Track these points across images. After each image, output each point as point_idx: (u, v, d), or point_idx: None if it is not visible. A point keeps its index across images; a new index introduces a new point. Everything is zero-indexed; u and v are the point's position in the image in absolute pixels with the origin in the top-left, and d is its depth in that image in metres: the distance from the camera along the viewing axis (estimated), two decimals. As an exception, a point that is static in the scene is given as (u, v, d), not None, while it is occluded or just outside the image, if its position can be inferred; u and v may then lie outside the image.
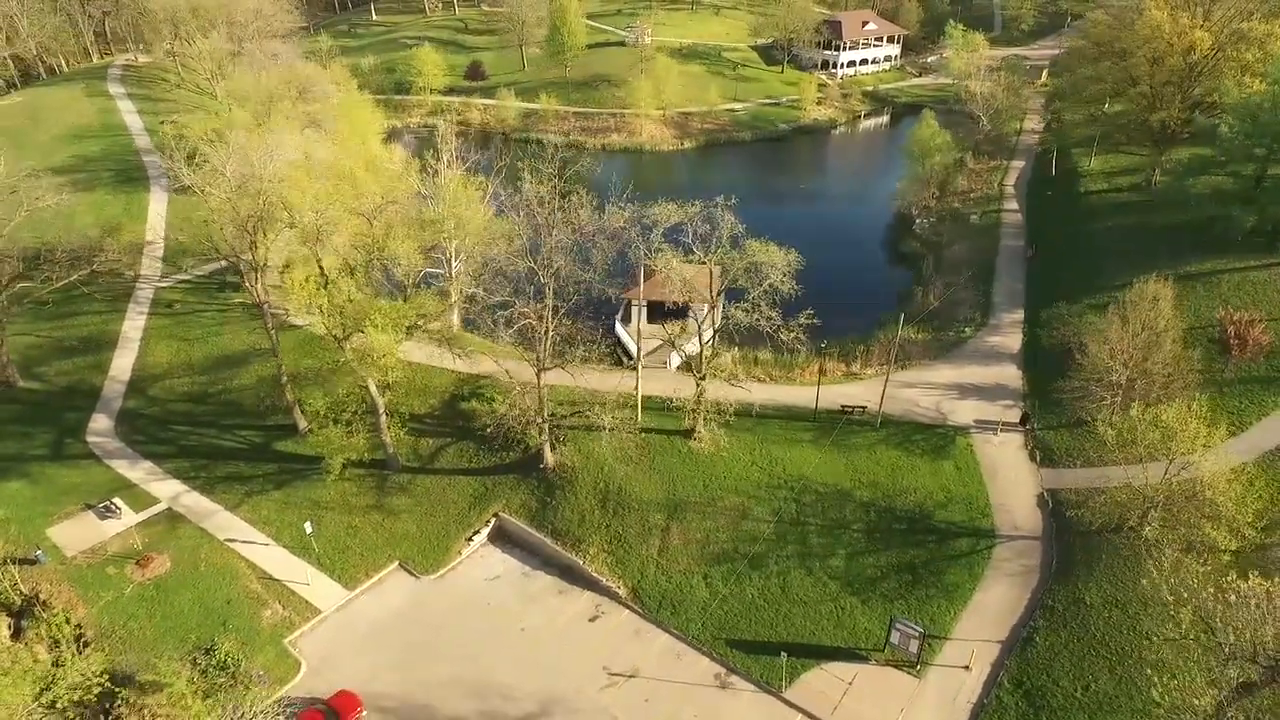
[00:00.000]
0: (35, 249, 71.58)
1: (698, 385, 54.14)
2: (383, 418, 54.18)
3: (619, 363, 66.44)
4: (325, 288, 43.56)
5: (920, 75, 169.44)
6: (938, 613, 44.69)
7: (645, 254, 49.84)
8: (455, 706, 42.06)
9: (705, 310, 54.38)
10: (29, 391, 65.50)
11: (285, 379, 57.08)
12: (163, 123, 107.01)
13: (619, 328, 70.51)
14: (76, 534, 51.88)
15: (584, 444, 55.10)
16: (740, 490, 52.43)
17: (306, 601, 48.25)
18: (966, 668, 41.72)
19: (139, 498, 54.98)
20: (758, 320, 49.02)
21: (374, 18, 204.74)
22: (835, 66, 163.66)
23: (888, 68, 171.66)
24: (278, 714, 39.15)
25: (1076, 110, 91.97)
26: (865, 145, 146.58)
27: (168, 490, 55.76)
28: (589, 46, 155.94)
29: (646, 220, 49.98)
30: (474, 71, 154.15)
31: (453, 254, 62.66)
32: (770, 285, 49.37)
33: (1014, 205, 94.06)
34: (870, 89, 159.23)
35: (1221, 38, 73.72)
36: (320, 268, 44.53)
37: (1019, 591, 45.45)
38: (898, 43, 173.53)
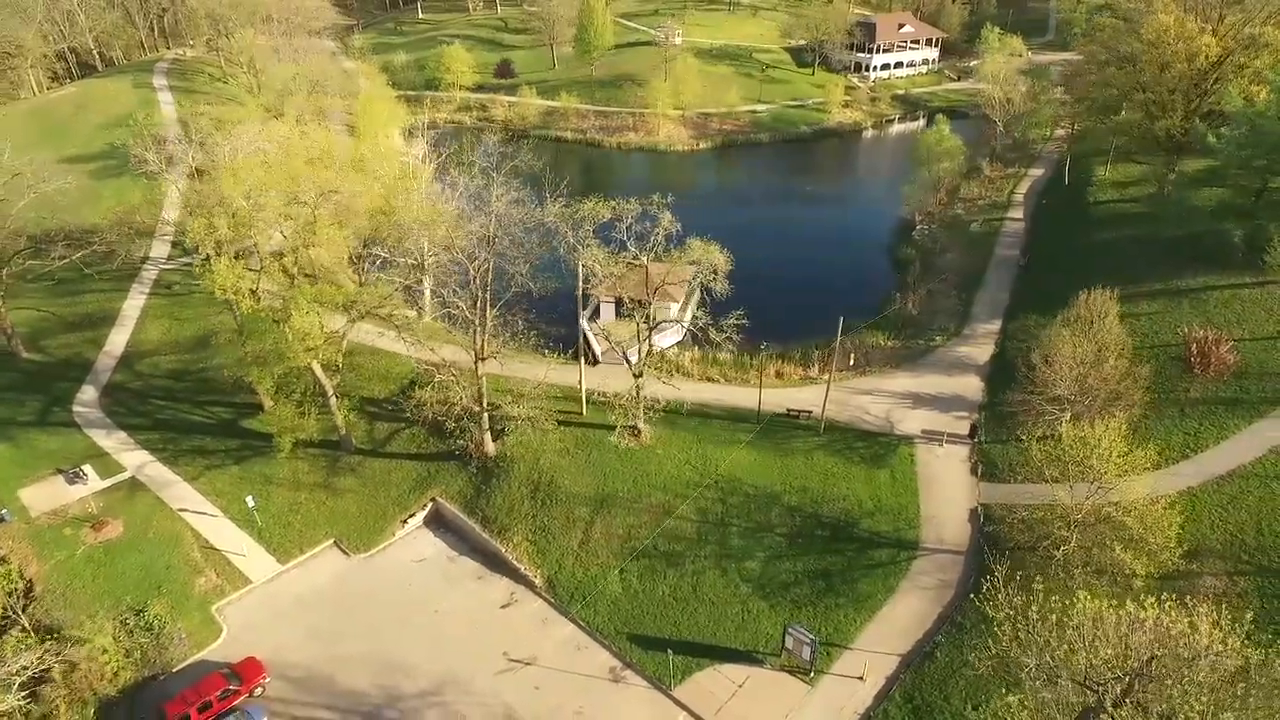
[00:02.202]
0: (48, 230, 75.88)
1: (635, 381, 54.43)
2: (332, 400, 56.02)
3: (587, 359, 66.98)
4: (259, 271, 45.44)
5: (959, 79, 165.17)
6: (843, 621, 44.04)
7: (577, 249, 50.22)
8: (356, 680, 43.39)
9: (650, 308, 54.38)
10: (30, 362, 69.72)
11: (249, 358, 59.46)
12: (201, 114, 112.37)
13: (586, 324, 71.04)
14: (44, 496, 55.11)
15: (525, 435, 55.93)
16: (669, 488, 52.51)
17: (240, 572, 50.35)
18: (860, 678, 41.07)
19: (108, 465, 58.05)
20: (680, 319, 49.02)
21: (420, 16, 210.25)
22: (868, 69, 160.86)
23: (924, 71, 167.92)
24: None
25: (1088, 118, 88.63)
26: (887, 149, 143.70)
27: (135, 460, 58.72)
28: (619, 46, 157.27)
29: (578, 216, 50.42)
30: (503, 69, 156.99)
31: (426, 245, 64.36)
32: (699, 284, 49.27)
33: (1019, 214, 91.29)
34: (902, 93, 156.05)
35: (1232, 44, 70.12)
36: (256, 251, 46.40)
37: (930, 605, 44.44)
38: (936, 46, 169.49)
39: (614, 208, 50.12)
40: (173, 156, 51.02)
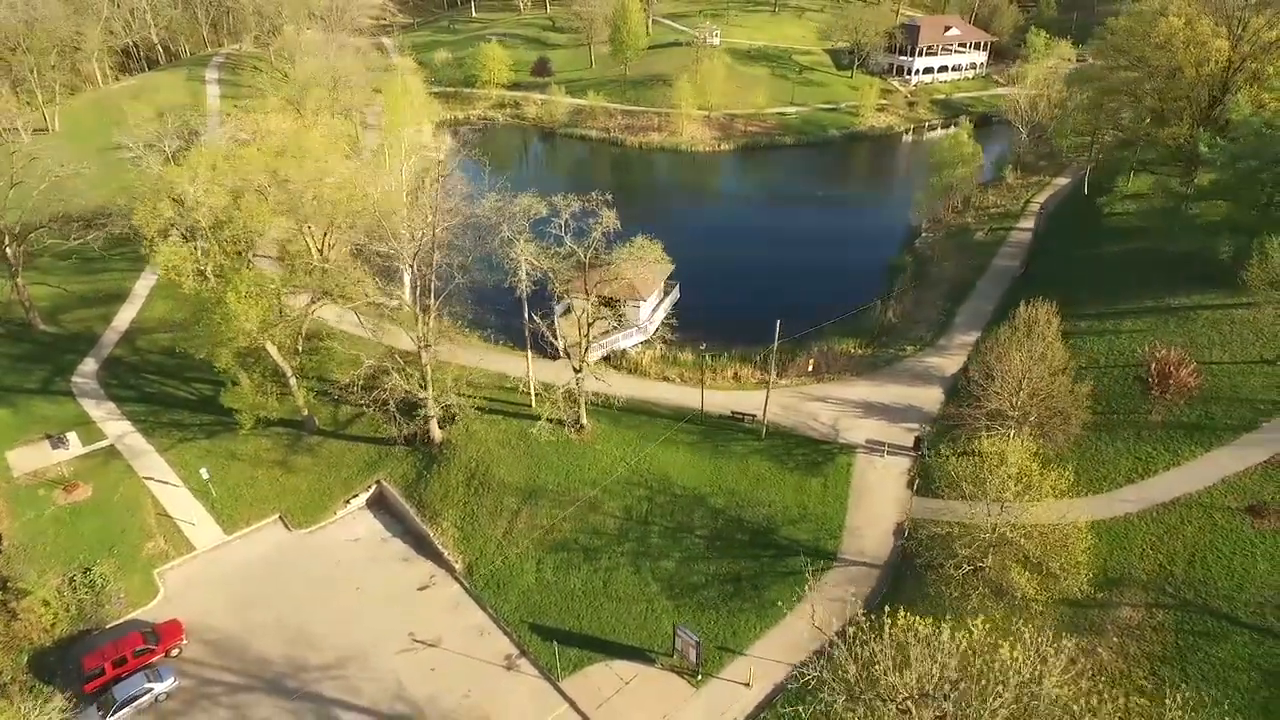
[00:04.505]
0: (56, 213, 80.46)
1: (575, 376, 54.89)
2: (291, 381, 58.33)
3: (551, 354, 67.66)
4: (204, 254, 47.83)
5: (1007, 85, 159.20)
6: (743, 627, 43.59)
7: (513, 242, 50.94)
8: (267, 648, 45.19)
9: (588, 305, 54.66)
10: (46, 334, 74.64)
11: (205, 338, 61.92)
12: (236, 106, 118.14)
13: (556, 320, 71.72)
14: (29, 458, 59.01)
15: (470, 424, 57.08)
16: (598, 483, 52.77)
17: (187, 539, 52.93)
18: (747, 684, 40.60)
19: (92, 433, 61.70)
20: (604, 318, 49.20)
21: (473, 15, 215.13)
22: (909, 72, 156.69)
23: (970, 75, 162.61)
24: None
25: (1104, 124, 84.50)
26: (915, 155, 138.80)
27: (117, 429, 62.25)
28: (656, 46, 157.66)
29: (514, 210, 51.08)
30: (540, 67, 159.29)
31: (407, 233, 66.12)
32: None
33: (1029, 224, 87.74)
34: (943, 97, 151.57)
35: (1248, 50, 65.84)
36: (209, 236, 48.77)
37: (834, 617, 43.41)
38: (985, 50, 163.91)
39: (551, 203, 50.62)
40: (155, 144, 54.15)
